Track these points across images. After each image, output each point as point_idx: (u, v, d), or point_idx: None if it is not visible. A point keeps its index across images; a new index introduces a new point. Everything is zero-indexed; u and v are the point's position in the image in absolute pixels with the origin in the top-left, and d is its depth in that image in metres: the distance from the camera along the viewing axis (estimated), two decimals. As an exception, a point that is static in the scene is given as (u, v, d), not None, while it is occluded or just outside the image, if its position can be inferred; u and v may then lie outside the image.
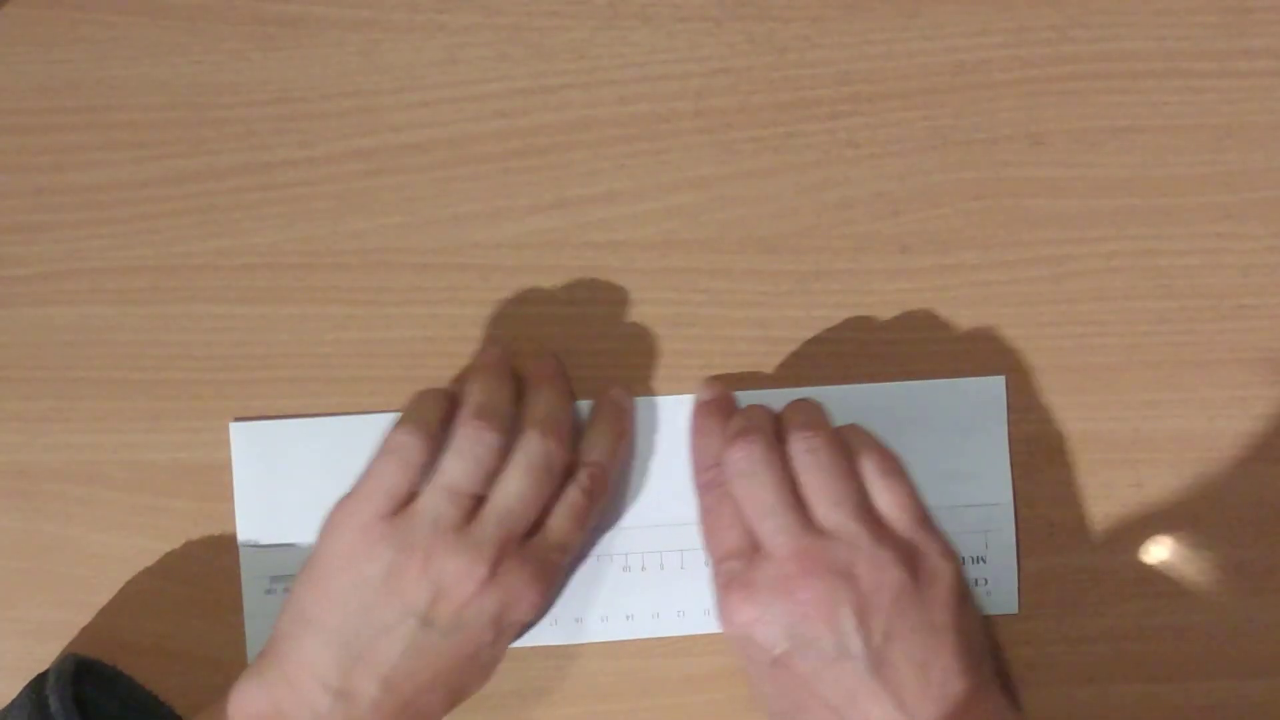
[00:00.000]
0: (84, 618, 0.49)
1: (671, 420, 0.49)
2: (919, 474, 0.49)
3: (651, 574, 0.49)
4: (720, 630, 0.45)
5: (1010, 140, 0.50)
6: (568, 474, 0.46)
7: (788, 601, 0.43)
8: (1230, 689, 0.49)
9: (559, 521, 0.45)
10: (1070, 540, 0.50)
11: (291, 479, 0.49)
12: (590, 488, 0.46)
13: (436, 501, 0.43)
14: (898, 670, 0.42)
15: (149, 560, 0.49)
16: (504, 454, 0.45)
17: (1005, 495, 0.49)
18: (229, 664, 0.48)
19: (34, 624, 0.49)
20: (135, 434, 0.49)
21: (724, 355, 0.50)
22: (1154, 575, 0.49)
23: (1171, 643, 0.49)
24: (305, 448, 0.49)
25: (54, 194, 0.50)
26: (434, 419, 0.45)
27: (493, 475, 0.44)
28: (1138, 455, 0.50)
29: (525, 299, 0.50)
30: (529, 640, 0.48)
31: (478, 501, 0.44)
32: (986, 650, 0.45)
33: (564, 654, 0.49)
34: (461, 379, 0.48)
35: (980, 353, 0.50)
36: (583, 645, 0.49)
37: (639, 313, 0.50)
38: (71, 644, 0.49)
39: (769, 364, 0.50)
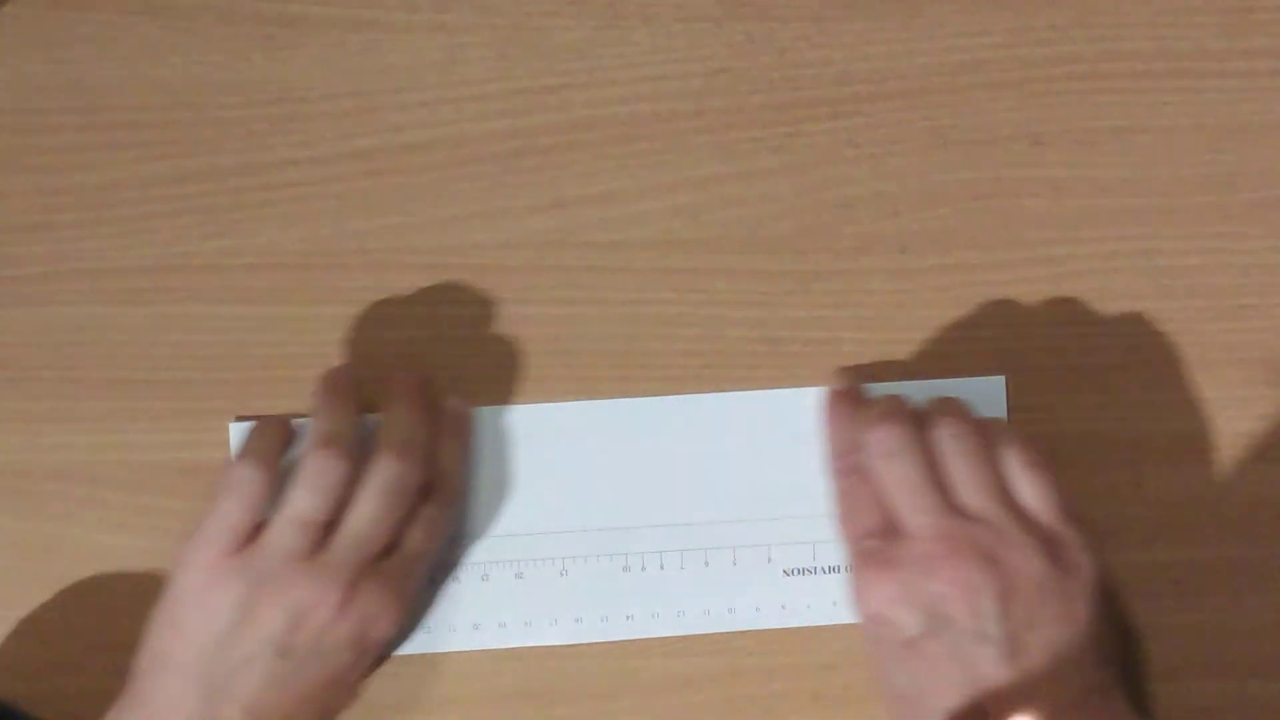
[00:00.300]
0: (84, 618, 0.49)
1: (672, 421, 0.49)
2: (919, 474, 0.49)
3: (651, 574, 0.49)
4: (853, 610, 0.45)
5: (1010, 140, 0.50)
6: (422, 490, 0.46)
7: (930, 581, 0.43)
8: (1230, 689, 0.49)
9: (414, 538, 0.46)
10: (1070, 540, 0.50)
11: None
12: (444, 501, 0.47)
13: (285, 533, 0.43)
14: (1031, 659, 0.42)
15: (149, 560, 0.49)
16: (353, 478, 0.44)
17: (1005, 495, 0.49)
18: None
19: (34, 624, 0.49)
20: (135, 434, 0.49)
21: (724, 355, 0.50)
22: (1154, 575, 0.49)
23: (1172, 642, 0.49)
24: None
25: (54, 194, 0.50)
26: (273, 449, 0.45)
27: (343, 501, 0.44)
28: (1138, 455, 0.50)
29: (525, 299, 0.50)
30: (529, 640, 0.48)
31: (328, 528, 0.44)
32: (1117, 650, 0.45)
33: (563, 654, 0.49)
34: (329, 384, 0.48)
35: (980, 353, 0.50)
36: (582, 645, 0.49)
37: (639, 313, 0.50)
38: (71, 644, 0.49)
39: (769, 364, 0.50)
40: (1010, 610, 0.42)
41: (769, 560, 0.49)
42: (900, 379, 0.49)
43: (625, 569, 0.49)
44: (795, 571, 0.49)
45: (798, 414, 0.49)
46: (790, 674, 0.48)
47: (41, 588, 0.49)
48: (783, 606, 0.49)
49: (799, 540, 0.49)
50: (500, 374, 0.50)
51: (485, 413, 0.49)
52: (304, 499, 0.44)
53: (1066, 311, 0.50)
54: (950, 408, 0.46)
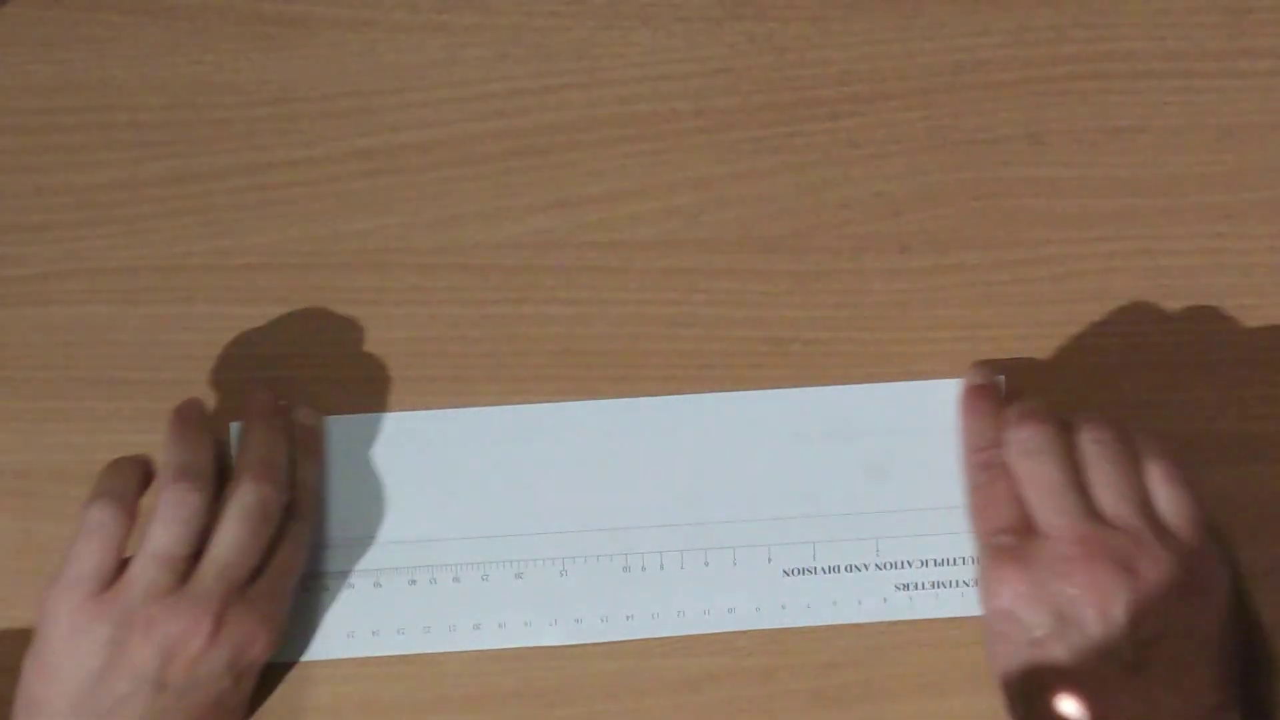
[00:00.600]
0: (84, 618, 0.49)
1: (672, 421, 0.49)
2: (919, 474, 0.49)
3: (651, 574, 0.49)
4: (980, 604, 0.45)
5: (1010, 140, 0.50)
6: (287, 509, 0.46)
7: (1063, 582, 0.42)
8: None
9: (281, 557, 0.46)
10: (1070, 540, 0.50)
11: (291, 479, 0.49)
12: (304, 515, 0.47)
13: (148, 569, 0.43)
14: (1156, 671, 0.42)
15: (149, 560, 0.49)
16: (211, 508, 0.44)
17: (1005, 495, 0.49)
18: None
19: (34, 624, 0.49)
20: (135, 434, 0.49)
21: (724, 355, 0.50)
22: (1154, 575, 0.49)
23: (1172, 643, 0.49)
24: (305, 448, 0.49)
25: (54, 194, 0.50)
26: (129, 487, 0.45)
27: (203, 532, 0.44)
28: (1138, 455, 0.50)
29: (525, 299, 0.50)
30: (529, 640, 0.48)
31: (193, 559, 0.44)
32: (1236, 672, 0.44)
33: (564, 654, 0.49)
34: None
35: (980, 353, 0.50)
36: (583, 645, 0.49)
37: (639, 313, 0.50)
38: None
39: (769, 364, 0.50)
40: (1140, 621, 0.42)
41: (769, 560, 0.49)
42: (900, 379, 0.49)
43: (625, 569, 0.49)
44: (795, 571, 0.49)
45: (798, 414, 0.49)
46: (790, 674, 0.48)
47: (42, 588, 0.49)
48: (783, 606, 0.49)
49: (799, 540, 0.49)
50: (500, 374, 0.50)
51: (485, 413, 0.49)
52: (162, 534, 0.43)
53: (1066, 311, 0.50)
54: (1095, 415, 0.46)
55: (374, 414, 0.49)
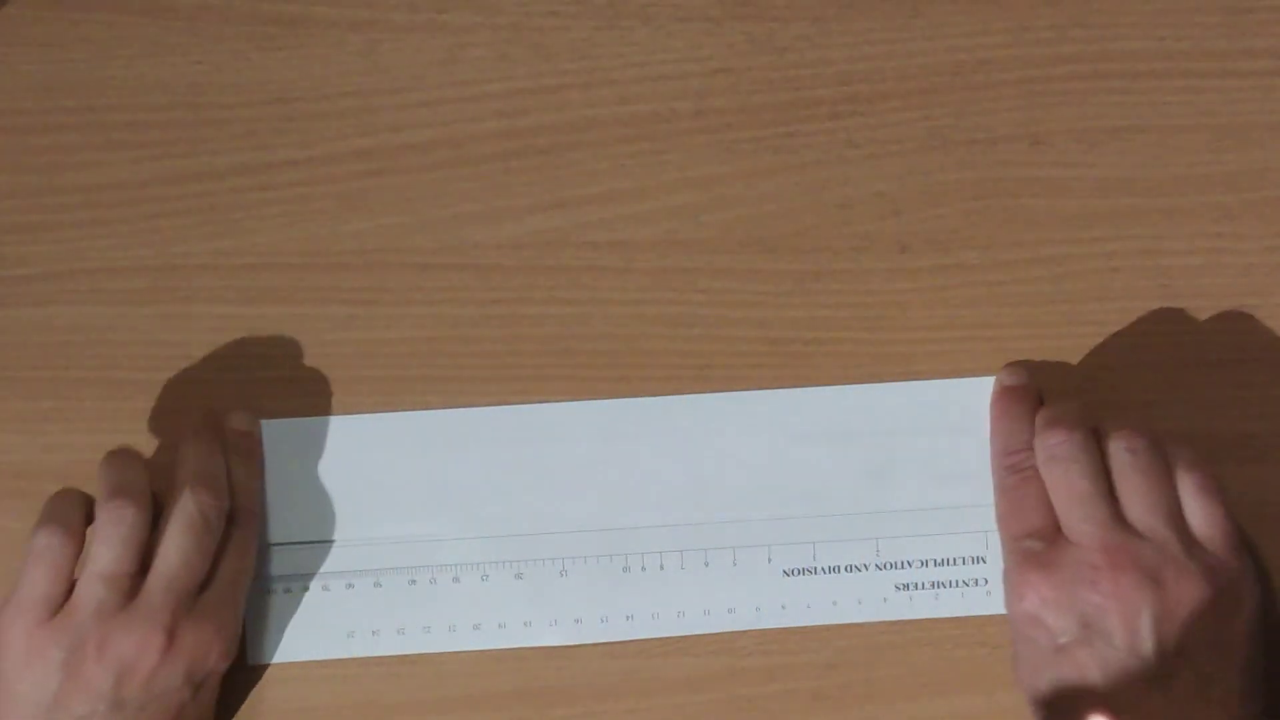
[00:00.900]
0: (84, 618, 0.49)
1: (672, 421, 0.49)
2: (919, 474, 0.49)
3: (651, 574, 0.49)
4: (1005, 608, 0.45)
5: (1010, 140, 0.50)
6: (229, 517, 0.46)
7: (1088, 590, 0.43)
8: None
9: (228, 564, 0.46)
10: (1070, 540, 0.50)
11: (292, 479, 0.49)
12: (246, 521, 0.47)
13: (95, 590, 0.43)
14: (1181, 682, 0.42)
15: (149, 560, 0.49)
16: (149, 523, 0.44)
17: (1005, 495, 0.49)
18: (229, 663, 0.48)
19: (34, 624, 0.49)
20: (135, 434, 0.49)
21: (724, 355, 0.50)
22: (1154, 575, 0.49)
23: (1172, 643, 0.49)
24: (305, 448, 0.49)
25: (54, 194, 0.50)
26: (75, 513, 0.45)
27: (144, 547, 0.44)
28: (1138, 455, 0.50)
29: (525, 299, 0.50)
30: (529, 640, 0.48)
31: (138, 576, 0.44)
32: (1262, 686, 0.44)
33: (564, 654, 0.49)
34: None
35: (980, 353, 0.50)
36: (583, 645, 0.49)
37: (639, 313, 0.50)
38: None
39: (769, 364, 0.50)
40: (1166, 632, 0.42)
41: (769, 560, 0.49)
42: (900, 379, 0.49)
43: (625, 569, 0.49)
44: (795, 571, 0.49)
45: (798, 414, 0.49)
46: (790, 674, 0.48)
47: None
48: (783, 606, 0.49)
49: (799, 540, 0.49)
50: (500, 374, 0.50)
51: (485, 413, 0.49)
52: (104, 552, 0.43)
53: (1066, 311, 0.50)
54: (1128, 422, 0.46)
55: (374, 414, 0.49)
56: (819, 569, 0.49)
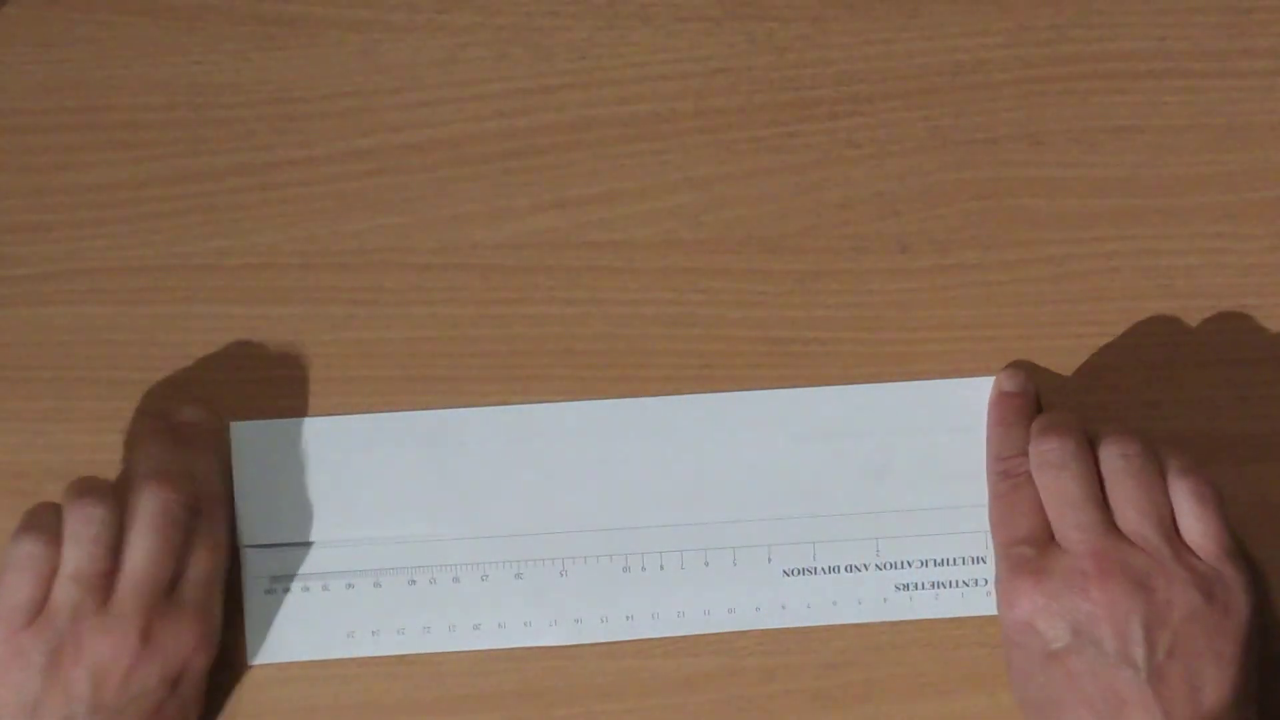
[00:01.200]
0: (84, 618, 0.49)
1: (672, 421, 0.49)
2: (919, 474, 0.49)
3: (651, 574, 0.49)
4: (998, 614, 0.45)
5: (1010, 140, 0.50)
6: (194, 511, 0.46)
7: (1079, 597, 0.43)
8: (1230, 689, 0.49)
9: (198, 559, 0.45)
10: (1070, 540, 0.50)
11: (291, 479, 0.49)
12: (212, 514, 0.46)
13: (69, 592, 0.43)
14: (1172, 688, 0.42)
15: (149, 560, 0.49)
16: (118, 521, 0.44)
17: (1005, 495, 0.49)
18: (229, 664, 0.48)
19: None
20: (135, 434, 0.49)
21: (724, 355, 0.50)
22: (1154, 575, 0.49)
23: (1172, 643, 0.49)
24: (305, 448, 0.49)
25: (54, 194, 0.50)
26: (52, 519, 0.45)
27: (115, 546, 0.44)
28: (1138, 455, 0.49)
29: (525, 299, 0.50)
30: (529, 640, 0.48)
31: (111, 575, 0.44)
32: (1256, 693, 0.44)
33: (564, 654, 0.49)
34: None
35: (980, 353, 0.50)
36: (583, 645, 0.49)
37: (639, 313, 0.50)
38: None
39: (769, 364, 0.50)
40: (1157, 638, 0.42)
41: (769, 560, 0.49)
42: (900, 379, 0.49)
43: (625, 569, 0.49)
44: (795, 571, 0.49)
45: (798, 414, 0.49)
46: (790, 674, 0.48)
47: None
48: (783, 606, 0.49)
49: (799, 540, 0.49)
50: (500, 374, 0.50)
51: (485, 413, 0.49)
52: (73, 553, 0.43)
53: (1066, 311, 0.50)
54: (1122, 427, 0.46)
55: (374, 414, 0.49)
56: (819, 569, 0.49)
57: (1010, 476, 0.46)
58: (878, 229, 0.50)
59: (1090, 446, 0.45)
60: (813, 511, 0.49)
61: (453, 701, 0.48)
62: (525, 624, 0.48)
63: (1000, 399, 0.48)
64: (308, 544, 0.49)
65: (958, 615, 0.49)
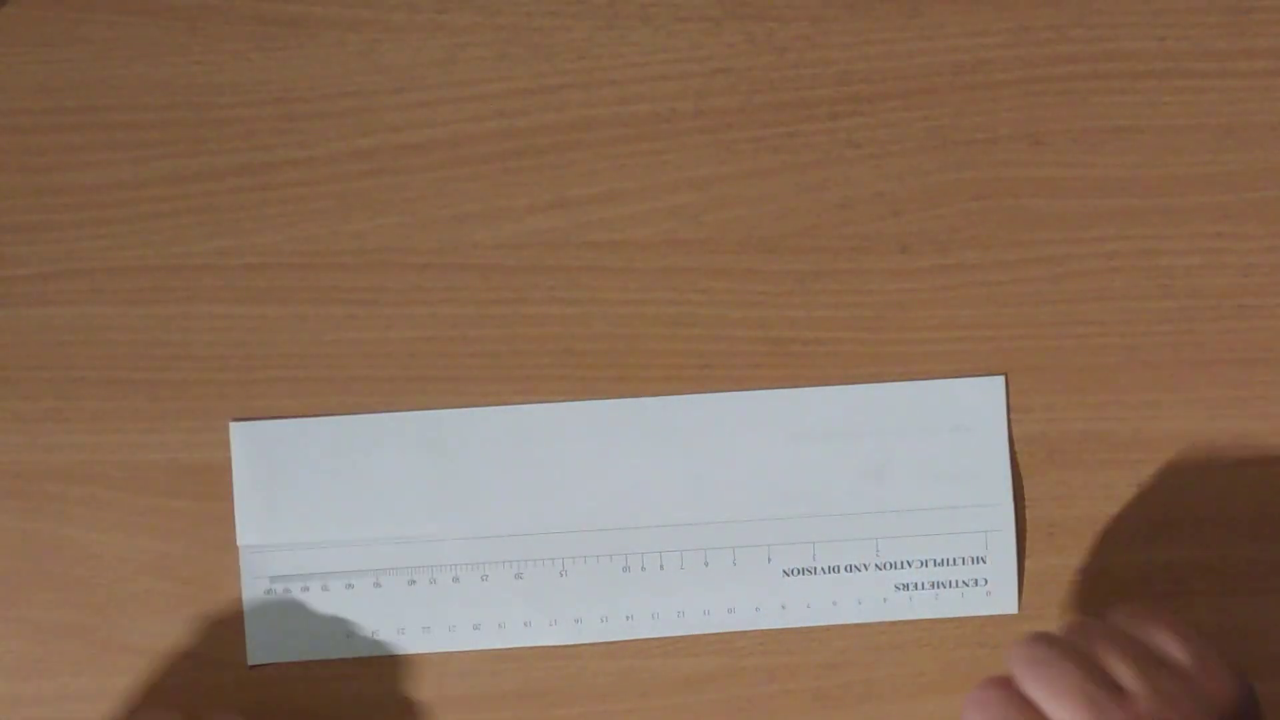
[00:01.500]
0: (84, 618, 0.49)
1: (672, 421, 0.49)
2: (919, 474, 0.49)
3: (651, 574, 0.49)
4: None
5: (1010, 140, 0.50)
6: None
7: None
8: (1230, 689, 0.49)
9: None
10: (1070, 540, 0.50)
11: (291, 479, 0.49)
12: None
13: None
14: None
15: (149, 560, 0.49)
16: None
17: (1005, 495, 0.49)
18: (229, 664, 0.48)
19: (34, 624, 0.49)
20: (135, 434, 0.49)
21: (724, 355, 0.50)
22: (1154, 575, 0.49)
23: (1171, 643, 0.49)
24: (305, 448, 0.49)
25: (54, 194, 0.50)
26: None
27: None
28: (1138, 455, 0.50)
29: (525, 299, 0.50)
30: (529, 640, 0.48)
31: None
32: None
33: (564, 654, 0.49)
34: None
35: (980, 353, 0.50)
36: (583, 645, 0.49)
37: (639, 313, 0.50)
38: (71, 644, 0.49)
39: (769, 364, 0.50)
40: None
41: (769, 560, 0.49)
42: (900, 379, 0.49)
43: (625, 569, 0.49)
44: (795, 571, 0.49)
45: (798, 414, 0.49)
46: (790, 674, 0.48)
47: (41, 588, 0.49)
48: (783, 606, 0.49)
49: (799, 540, 0.49)
50: (500, 374, 0.50)
51: (485, 413, 0.49)
52: None
53: (1066, 311, 0.50)
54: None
55: (374, 414, 0.49)
56: (819, 569, 0.49)
57: None
58: (878, 229, 0.50)
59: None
60: (812, 511, 0.49)
61: (453, 701, 0.48)
62: (525, 624, 0.48)
63: (983, 686, 0.43)
64: (307, 544, 0.49)
65: (958, 615, 0.49)
